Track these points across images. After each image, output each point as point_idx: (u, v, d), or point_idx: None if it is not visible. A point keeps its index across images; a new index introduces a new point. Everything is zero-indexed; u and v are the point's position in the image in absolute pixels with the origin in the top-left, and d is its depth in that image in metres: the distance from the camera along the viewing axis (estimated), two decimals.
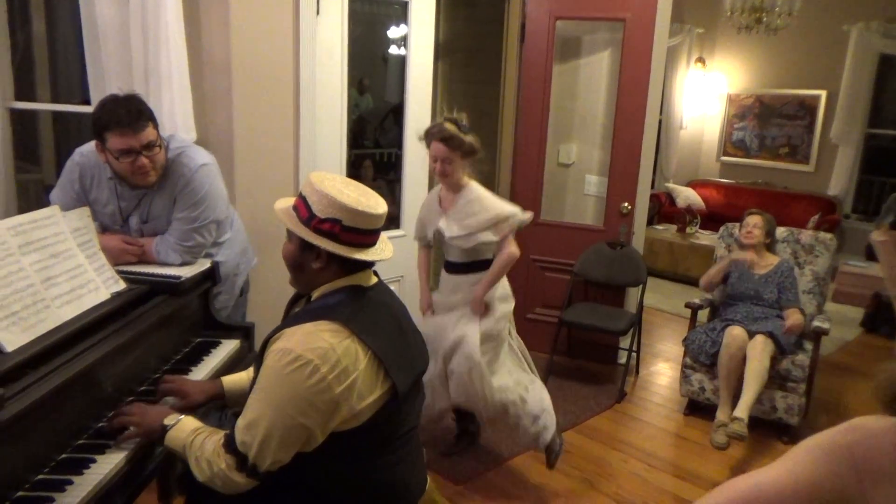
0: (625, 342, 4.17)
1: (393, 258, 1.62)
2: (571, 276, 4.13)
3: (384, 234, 1.58)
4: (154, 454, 1.62)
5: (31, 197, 3.45)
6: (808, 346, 3.52)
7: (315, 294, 1.55)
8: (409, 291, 3.51)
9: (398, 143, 3.78)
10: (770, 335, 3.33)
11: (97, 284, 1.81)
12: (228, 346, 2.18)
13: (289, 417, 1.36)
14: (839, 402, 3.90)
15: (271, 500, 1.49)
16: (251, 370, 1.79)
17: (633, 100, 3.96)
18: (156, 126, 2.11)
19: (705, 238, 6.41)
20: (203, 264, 2.25)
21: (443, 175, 2.67)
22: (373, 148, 6.73)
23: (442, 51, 4.59)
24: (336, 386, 1.36)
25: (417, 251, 3.02)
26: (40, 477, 1.41)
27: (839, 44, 6.67)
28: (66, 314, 1.66)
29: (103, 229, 2.26)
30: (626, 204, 4.08)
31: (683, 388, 3.67)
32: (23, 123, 3.56)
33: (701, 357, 3.52)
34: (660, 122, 5.42)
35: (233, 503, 1.47)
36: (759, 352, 3.27)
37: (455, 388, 2.73)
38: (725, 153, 7.84)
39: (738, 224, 3.86)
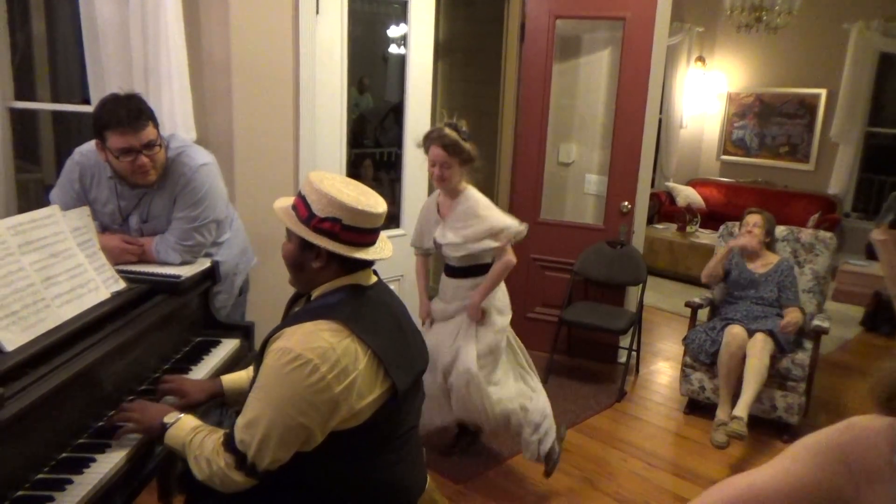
0: (625, 341, 4.17)
1: (393, 257, 1.63)
2: (571, 275, 4.13)
3: (383, 234, 1.58)
4: (154, 453, 1.62)
5: (31, 197, 3.45)
6: (808, 344, 3.52)
7: (315, 293, 1.55)
8: (408, 291, 3.51)
9: (398, 142, 3.78)
10: (770, 334, 3.33)
11: (97, 284, 1.82)
12: (228, 346, 2.18)
13: (288, 417, 1.36)
14: (839, 401, 3.90)
15: (271, 499, 1.49)
16: (251, 369, 1.80)
17: (633, 99, 3.96)
18: (156, 125, 2.11)
19: (705, 237, 6.41)
20: (203, 263, 2.25)
21: (440, 180, 2.67)
22: (373, 147, 6.73)
23: (442, 50, 4.59)
24: (336, 385, 1.36)
25: (416, 258, 3.02)
26: (40, 476, 1.41)
27: (839, 42, 6.67)
28: (66, 313, 1.66)
29: (103, 229, 2.26)
30: (626, 203, 4.08)
31: (683, 387, 3.67)
32: (23, 123, 3.56)
33: (701, 356, 3.52)
34: (660, 120, 5.41)
35: (233, 502, 1.47)
36: (758, 350, 3.27)
37: (455, 402, 2.76)
38: (725, 152, 7.84)
39: (737, 223, 3.86)
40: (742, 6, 5.51)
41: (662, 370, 4.31)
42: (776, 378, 3.37)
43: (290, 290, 1.67)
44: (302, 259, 1.52)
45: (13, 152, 2.83)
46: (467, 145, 2.64)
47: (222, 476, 1.40)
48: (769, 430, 3.44)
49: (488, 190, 3.06)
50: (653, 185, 5.87)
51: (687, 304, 3.83)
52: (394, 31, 6.00)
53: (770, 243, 3.71)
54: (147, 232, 2.27)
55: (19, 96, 2.92)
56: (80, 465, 1.45)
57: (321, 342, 1.37)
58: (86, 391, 1.58)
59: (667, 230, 6.78)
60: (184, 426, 1.51)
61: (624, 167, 4.06)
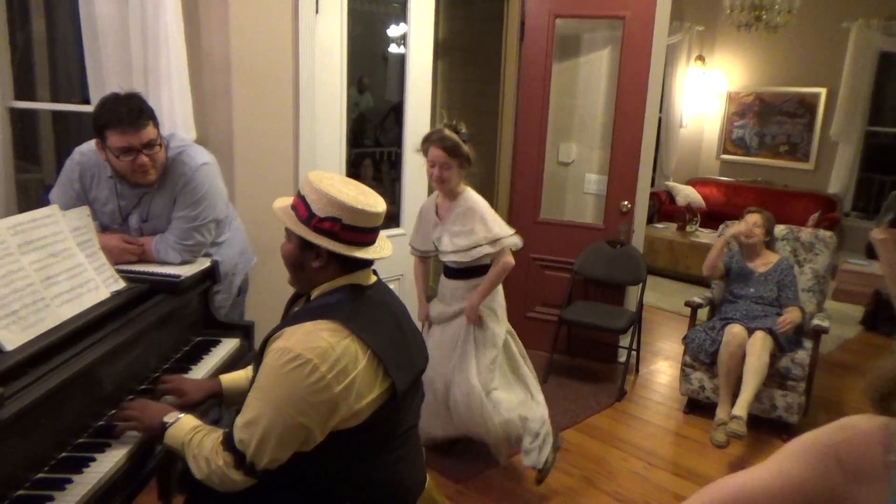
0: (625, 340, 4.17)
1: (392, 257, 1.63)
2: (571, 274, 4.13)
3: (383, 233, 1.58)
4: (154, 453, 1.62)
5: (31, 196, 3.45)
6: (808, 344, 3.52)
7: (315, 293, 1.55)
8: (408, 290, 3.51)
9: (399, 142, 3.78)
10: (769, 331, 3.34)
11: (97, 283, 1.82)
12: (228, 345, 2.18)
13: (288, 416, 1.36)
14: (839, 401, 3.90)
15: (270, 498, 1.49)
16: (249, 369, 1.80)
17: (633, 98, 3.96)
18: (156, 125, 2.11)
19: (705, 236, 6.41)
20: (203, 263, 2.25)
21: (440, 181, 2.68)
22: (373, 147, 6.74)
23: (441, 49, 4.59)
24: (335, 385, 1.36)
25: (414, 260, 3.03)
26: (40, 475, 1.42)
27: (839, 41, 6.67)
28: (66, 313, 1.66)
29: (103, 228, 2.26)
30: (626, 202, 4.08)
31: (683, 386, 3.67)
32: (23, 123, 3.56)
33: (701, 355, 3.52)
34: (659, 120, 5.41)
35: (233, 502, 1.48)
36: (758, 348, 3.27)
37: (456, 417, 2.80)
38: (725, 151, 7.84)
39: (737, 222, 3.85)
40: (742, 5, 5.51)
41: (662, 369, 4.31)
42: (776, 377, 3.38)
43: (290, 290, 1.67)
44: (302, 259, 1.52)
45: (13, 152, 2.83)
46: (467, 147, 2.65)
47: (221, 475, 1.40)
48: (769, 429, 3.44)
49: (488, 190, 3.07)
50: (653, 185, 5.88)
51: (687, 304, 3.83)
52: (393, 31, 6.01)
53: (770, 242, 3.71)
54: (147, 231, 2.27)
55: (19, 96, 2.92)
56: (80, 465, 1.45)
57: (321, 342, 1.37)
58: (86, 391, 1.59)
59: (667, 229, 6.78)
60: (183, 426, 1.51)
61: (624, 166, 4.06)
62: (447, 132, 2.62)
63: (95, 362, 1.59)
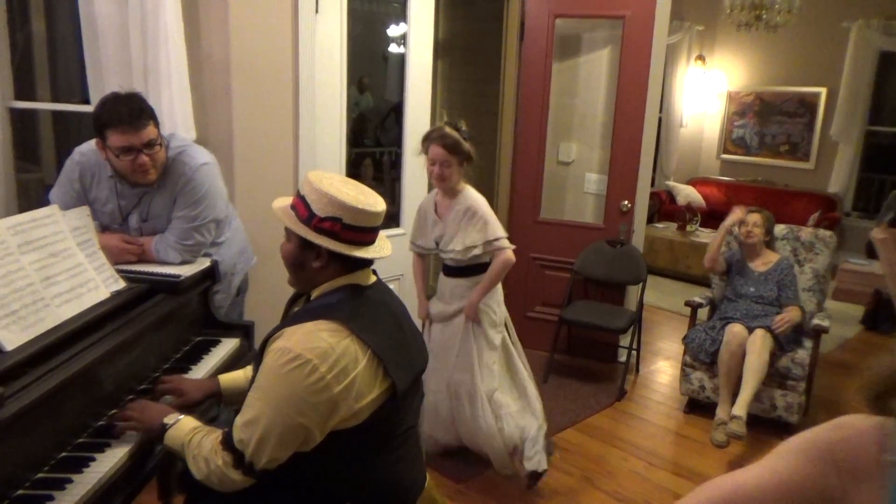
0: (625, 340, 4.17)
1: (392, 257, 1.63)
2: (571, 274, 4.13)
3: (382, 233, 1.58)
4: (154, 453, 1.62)
5: (32, 196, 3.45)
6: (808, 343, 3.52)
7: (314, 293, 1.55)
8: (408, 290, 3.51)
9: (399, 141, 3.78)
10: (769, 330, 3.34)
11: (97, 283, 1.82)
12: (228, 345, 2.19)
13: (287, 417, 1.36)
14: (839, 401, 3.89)
15: (270, 498, 1.49)
16: (248, 368, 1.80)
17: (633, 98, 3.96)
18: (157, 124, 2.11)
19: (705, 236, 6.40)
20: (203, 263, 2.25)
21: (440, 179, 2.67)
22: (373, 146, 6.74)
23: (441, 49, 4.59)
24: (335, 385, 1.36)
25: (413, 258, 3.03)
26: (40, 475, 1.42)
27: (839, 41, 6.67)
28: (66, 313, 1.66)
29: (103, 228, 2.26)
30: (626, 202, 4.08)
31: (683, 386, 3.67)
32: (23, 123, 3.56)
33: (701, 355, 3.52)
34: (659, 119, 5.42)
35: (232, 502, 1.48)
36: (758, 347, 3.27)
37: (461, 425, 2.84)
38: (725, 151, 7.84)
39: (736, 208, 3.85)
40: (742, 4, 5.50)
41: (662, 369, 4.31)
42: (776, 377, 3.38)
43: (290, 290, 1.67)
44: (302, 259, 1.52)
45: (13, 152, 2.83)
46: (467, 144, 2.65)
47: (220, 475, 1.40)
48: (769, 429, 3.44)
49: (488, 189, 3.07)
50: (653, 184, 5.88)
51: (687, 304, 3.83)
52: (393, 31, 6.01)
53: (770, 242, 3.71)
54: (147, 231, 2.27)
55: (19, 96, 2.92)
56: (79, 465, 1.45)
57: (321, 342, 1.37)
58: (85, 390, 1.59)
59: (667, 229, 6.78)
60: (183, 427, 1.51)
61: (624, 166, 4.06)
62: (448, 130, 2.62)
63: (95, 362, 1.59)
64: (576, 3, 4.04)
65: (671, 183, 7.56)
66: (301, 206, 1.49)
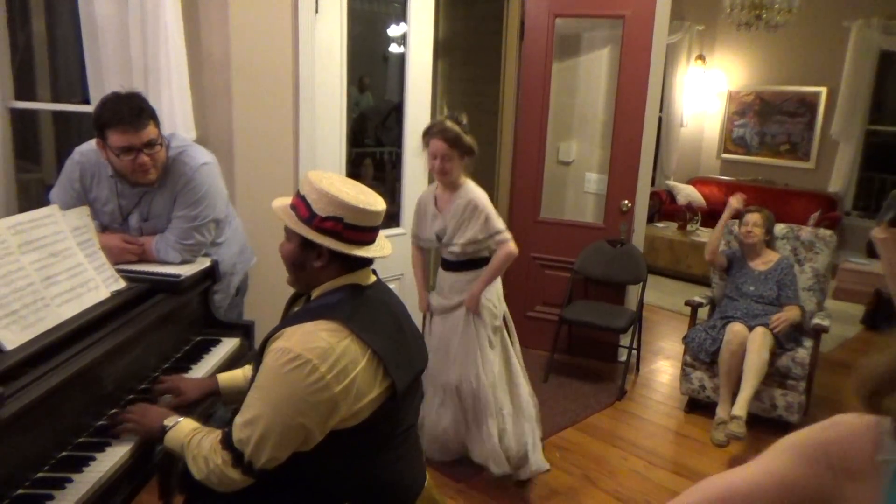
0: (625, 340, 4.17)
1: (392, 257, 1.63)
2: (571, 273, 4.13)
3: (381, 232, 1.58)
4: (154, 452, 1.62)
5: (32, 196, 3.45)
6: (809, 343, 3.52)
7: (315, 293, 1.55)
8: (408, 290, 3.51)
9: (399, 141, 3.78)
10: (769, 328, 3.33)
11: (97, 283, 1.82)
12: (229, 345, 2.19)
13: (287, 416, 1.36)
14: (839, 400, 3.89)
15: (270, 498, 1.49)
16: (247, 368, 1.80)
17: (633, 97, 3.96)
18: (157, 124, 2.11)
19: (706, 235, 6.38)
20: (203, 262, 2.25)
21: (442, 173, 2.67)
22: (374, 146, 6.73)
23: (441, 49, 4.59)
24: (335, 385, 1.36)
25: (412, 249, 3.02)
26: (40, 475, 1.42)
27: (839, 40, 6.67)
28: (66, 313, 1.66)
29: (103, 228, 2.26)
30: (627, 201, 4.08)
31: (684, 385, 3.67)
32: (23, 123, 3.56)
33: (701, 355, 3.52)
34: (660, 119, 5.41)
35: (232, 502, 1.48)
36: (758, 345, 3.27)
37: (464, 427, 2.84)
38: (726, 150, 7.84)
39: (737, 221, 3.85)
40: (742, 4, 5.50)
41: (663, 369, 4.31)
42: (776, 377, 3.37)
43: (290, 290, 1.67)
44: (303, 258, 1.52)
45: (13, 152, 2.83)
46: (468, 138, 2.64)
47: (219, 474, 1.40)
48: (769, 428, 3.44)
49: (488, 189, 3.05)
50: (653, 184, 5.87)
51: (687, 303, 3.83)
52: (393, 30, 6.00)
53: (770, 241, 3.71)
54: (147, 231, 2.27)
55: (19, 96, 2.92)
56: (79, 464, 1.45)
57: (320, 342, 1.37)
58: (85, 390, 1.59)
59: (667, 229, 6.78)
60: (183, 428, 1.51)
61: (624, 165, 4.06)
62: (449, 124, 2.61)
63: (95, 362, 1.59)
64: (576, 3, 4.04)
65: (671, 182, 7.56)
66: (302, 206, 1.49)
